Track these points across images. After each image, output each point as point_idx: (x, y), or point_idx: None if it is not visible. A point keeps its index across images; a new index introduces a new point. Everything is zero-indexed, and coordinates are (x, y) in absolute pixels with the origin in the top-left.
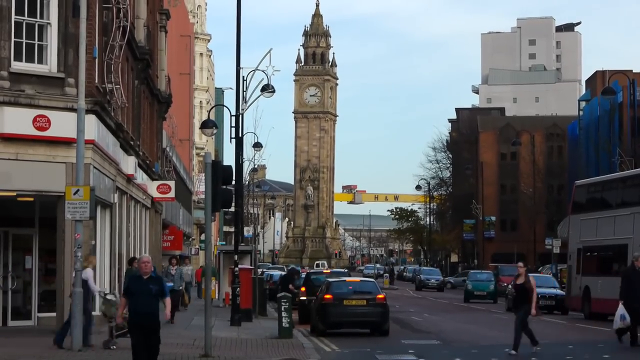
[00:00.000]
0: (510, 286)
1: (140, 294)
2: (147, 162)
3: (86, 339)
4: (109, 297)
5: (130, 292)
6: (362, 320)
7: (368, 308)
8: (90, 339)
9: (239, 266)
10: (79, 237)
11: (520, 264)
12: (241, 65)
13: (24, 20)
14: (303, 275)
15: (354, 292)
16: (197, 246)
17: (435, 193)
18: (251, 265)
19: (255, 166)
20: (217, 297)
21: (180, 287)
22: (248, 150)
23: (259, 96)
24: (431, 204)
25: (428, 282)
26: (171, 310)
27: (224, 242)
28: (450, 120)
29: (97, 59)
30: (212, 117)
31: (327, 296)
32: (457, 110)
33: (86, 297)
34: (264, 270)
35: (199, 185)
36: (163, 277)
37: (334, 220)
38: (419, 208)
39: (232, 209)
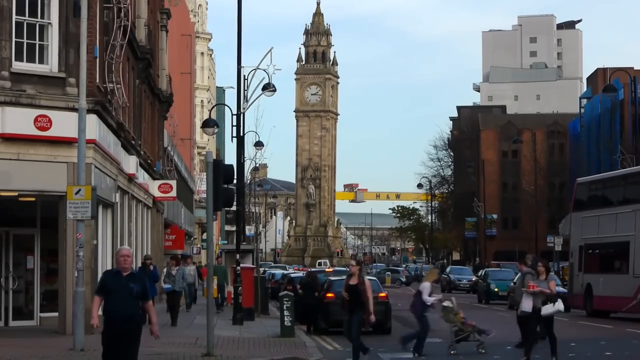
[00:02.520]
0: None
1: (118, 294)
2: (149, 161)
3: (419, 348)
4: (445, 304)
5: (106, 290)
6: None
7: None
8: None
9: (241, 265)
10: (81, 237)
11: (353, 262)
12: (242, 64)
13: (24, 20)
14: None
15: None
16: (198, 245)
17: (436, 191)
18: (253, 264)
19: (257, 165)
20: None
21: (182, 289)
22: (249, 149)
23: (260, 95)
24: (433, 202)
25: (459, 283)
26: (172, 312)
27: (225, 241)
28: (451, 118)
29: (98, 59)
30: (214, 116)
31: (329, 295)
32: (459, 108)
33: (423, 308)
34: (266, 269)
35: (201, 185)
36: (144, 276)
37: (336, 219)
38: (421, 206)
39: (234, 208)
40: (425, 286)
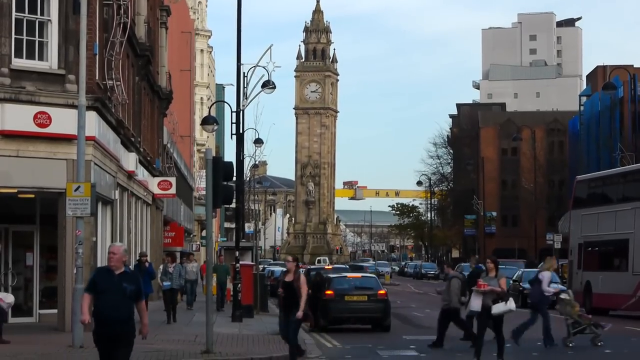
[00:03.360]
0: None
1: (110, 294)
2: (148, 158)
3: (548, 339)
4: (563, 296)
5: (97, 289)
6: (363, 315)
7: (369, 304)
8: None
9: (240, 262)
10: (80, 234)
11: (290, 258)
12: (242, 62)
13: (24, 17)
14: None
15: (355, 287)
16: (198, 242)
17: (436, 189)
18: (252, 261)
19: (256, 162)
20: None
21: (180, 286)
22: (249, 147)
23: (259, 92)
24: (432, 200)
25: None
26: (170, 309)
27: (225, 239)
28: (451, 116)
29: (97, 56)
30: (213, 114)
31: (329, 292)
32: (458, 105)
33: (544, 299)
34: (265, 266)
35: (200, 182)
36: (139, 275)
37: (335, 216)
38: (420, 204)
39: (233, 205)
40: (546, 275)
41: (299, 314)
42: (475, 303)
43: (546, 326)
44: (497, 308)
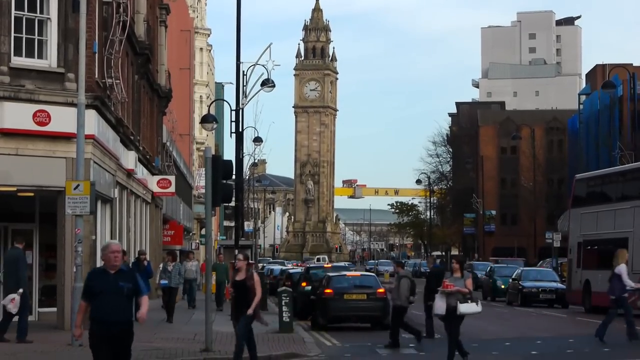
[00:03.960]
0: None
1: (107, 295)
2: (148, 156)
3: (632, 334)
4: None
5: (93, 292)
6: (362, 314)
7: (369, 302)
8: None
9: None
10: (80, 232)
11: (240, 256)
12: (241, 60)
13: (23, 15)
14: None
15: (354, 286)
16: (197, 241)
17: (435, 187)
18: (252, 260)
19: (256, 161)
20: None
21: (179, 285)
22: (248, 145)
23: (259, 91)
24: (431, 198)
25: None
26: (168, 308)
27: (224, 237)
28: (450, 115)
29: (97, 54)
30: (212, 112)
31: (328, 290)
32: (457, 104)
33: (622, 290)
34: (265, 264)
35: (199, 180)
36: (136, 271)
37: (335, 215)
38: (420, 202)
39: (233, 203)
40: (623, 269)
41: (250, 310)
42: (441, 305)
43: (629, 321)
44: (465, 308)
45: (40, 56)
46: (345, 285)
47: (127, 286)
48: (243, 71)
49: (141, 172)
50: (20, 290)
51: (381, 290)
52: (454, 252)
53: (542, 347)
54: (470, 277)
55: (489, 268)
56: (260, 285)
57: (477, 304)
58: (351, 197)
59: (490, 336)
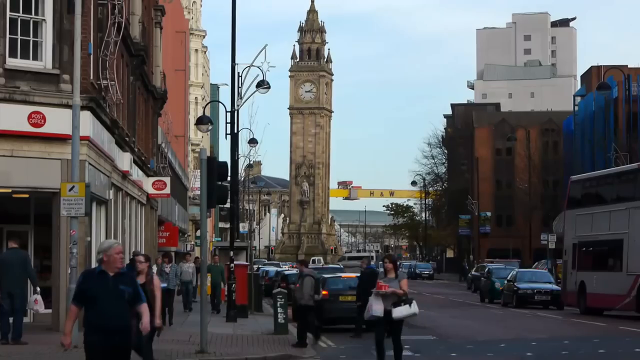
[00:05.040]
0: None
1: (106, 299)
2: (143, 158)
3: None
4: None
5: (89, 296)
6: (356, 316)
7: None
8: None
9: (235, 262)
10: (75, 234)
11: (141, 258)
12: (236, 62)
13: (18, 16)
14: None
15: (349, 288)
16: (192, 242)
17: (430, 189)
18: (247, 261)
19: (251, 162)
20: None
21: (175, 287)
22: (243, 147)
23: (254, 92)
24: (427, 200)
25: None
26: (164, 311)
27: (219, 239)
28: (445, 116)
29: (92, 56)
30: (208, 113)
31: (323, 292)
32: (453, 105)
33: None
34: (260, 266)
35: (195, 182)
36: (134, 274)
37: (330, 216)
38: (415, 204)
39: (228, 205)
40: None
41: (158, 322)
42: (377, 307)
43: None
44: (400, 311)
45: (35, 57)
46: (341, 287)
47: (128, 290)
48: (238, 73)
49: (136, 173)
50: (39, 289)
51: None
52: (450, 254)
53: (537, 348)
54: (406, 277)
55: (486, 269)
56: (160, 290)
57: (411, 306)
58: (346, 198)
59: (485, 337)
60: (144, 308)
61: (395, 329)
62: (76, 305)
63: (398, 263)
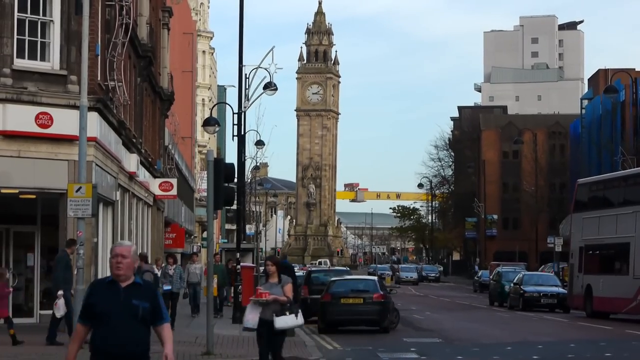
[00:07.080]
0: None
1: (115, 318)
2: (150, 159)
3: None
4: None
5: (96, 312)
6: (358, 318)
7: (365, 306)
8: None
9: (241, 264)
10: (81, 235)
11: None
12: (244, 63)
13: (26, 17)
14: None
15: (351, 290)
16: (199, 244)
17: (437, 191)
18: (253, 263)
19: (258, 164)
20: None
21: (180, 289)
22: (250, 148)
23: (261, 94)
24: (433, 202)
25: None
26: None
27: (226, 240)
28: (452, 119)
29: (99, 57)
30: (215, 115)
31: (327, 295)
32: (460, 108)
33: None
34: None
35: (201, 183)
36: (155, 287)
37: (336, 219)
38: (421, 206)
39: (234, 206)
40: None
41: None
42: (252, 317)
43: None
44: (284, 321)
45: (42, 58)
46: (343, 290)
47: (143, 306)
48: (245, 74)
49: (143, 174)
50: (60, 292)
51: (377, 294)
52: (456, 256)
53: (543, 352)
54: (290, 282)
55: (495, 272)
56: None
57: (296, 316)
58: (353, 200)
59: (491, 340)
60: (167, 331)
61: (276, 342)
62: (83, 324)
63: (398, 266)
